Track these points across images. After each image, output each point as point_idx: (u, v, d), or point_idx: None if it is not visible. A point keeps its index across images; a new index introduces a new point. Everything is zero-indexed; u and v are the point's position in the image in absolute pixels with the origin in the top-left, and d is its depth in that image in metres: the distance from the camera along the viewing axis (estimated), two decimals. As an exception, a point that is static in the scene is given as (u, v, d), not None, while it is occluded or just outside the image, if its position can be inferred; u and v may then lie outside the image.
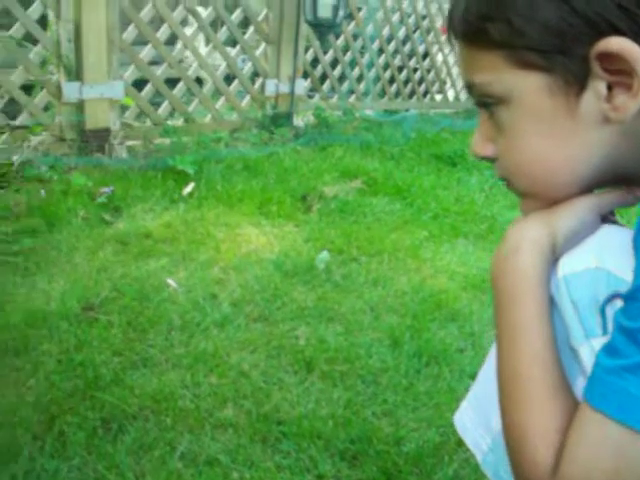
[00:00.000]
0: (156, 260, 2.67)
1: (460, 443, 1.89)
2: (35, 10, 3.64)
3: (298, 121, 4.99)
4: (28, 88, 3.71)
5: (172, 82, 4.33)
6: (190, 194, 3.35)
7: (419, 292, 2.70)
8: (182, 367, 2.07)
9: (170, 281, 2.49)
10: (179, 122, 4.36)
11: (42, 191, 3.22)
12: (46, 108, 3.78)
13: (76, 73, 3.76)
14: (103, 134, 3.86)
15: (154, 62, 4.26)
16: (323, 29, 4.90)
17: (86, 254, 2.67)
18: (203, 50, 5.10)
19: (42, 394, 1.88)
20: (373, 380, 2.11)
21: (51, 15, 3.70)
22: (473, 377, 2.10)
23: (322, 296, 2.59)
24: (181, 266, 2.65)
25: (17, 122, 3.63)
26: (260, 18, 4.70)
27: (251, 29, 4.68)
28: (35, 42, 3.69)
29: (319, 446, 1.81)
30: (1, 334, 2.10)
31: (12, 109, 3.70)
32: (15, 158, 3.44)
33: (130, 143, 4.08)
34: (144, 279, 2.50)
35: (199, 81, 4.58)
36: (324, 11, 4.70)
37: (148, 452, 1.74)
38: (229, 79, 4.62)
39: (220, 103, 4.60)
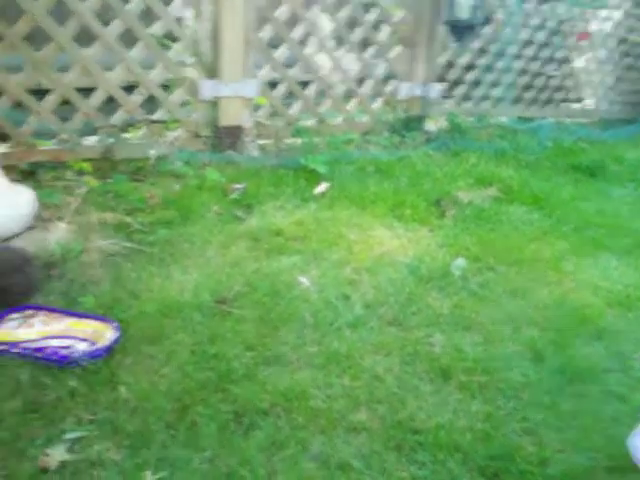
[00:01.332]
0: (287, 257, 2.66)
1: (612, 470, 1.76)
2: (175, 8, 3.73)
3: (430, 125, 4.89)
4: (166, 86, 3.82)
5: (304, 83, 4.35)
6: (322, 194, 3.33)
7: (561, 305, 2.56)
8: (314, 366, 2.03)
9: (302, 279, 2.47)
10: (310, 123, 4.36)
11: (177, 185, 3.28)
12: (183, 105, 3.86)
13: (213, 71, 3.83)
14: (236, 131, 3.91)
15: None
16: (461, 31, 4.79)
17: (219, 248, 2.69)
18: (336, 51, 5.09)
19: (175, 383, 1.89)
20: (514, 395, 2.00)
21: (191, 14, 3.78)
22: (622, 400, 1.93)
23: (458, 304, 2.49)
24: (313, 264, 2.62)
25: (155, 117, 3.72)
26: (396, 19, 4.64)
27: (386, 30, 4.63)
28: (174, 40, 3.79)
29: (457, 459, 1.73)
30: (136, 322, 2.13)
31: (150, 106, 3.81)
32: (152, 153, 3.52)
33: (261, 142, 4.12)
34: (276, 275, 2.49)
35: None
36: (463, 12, 4.60)
37: (280, 450, 1.71)
38: (361, 81, 4.59)
39: (352, 105, 4.57)
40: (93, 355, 1.91)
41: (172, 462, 1.64)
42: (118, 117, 3.66)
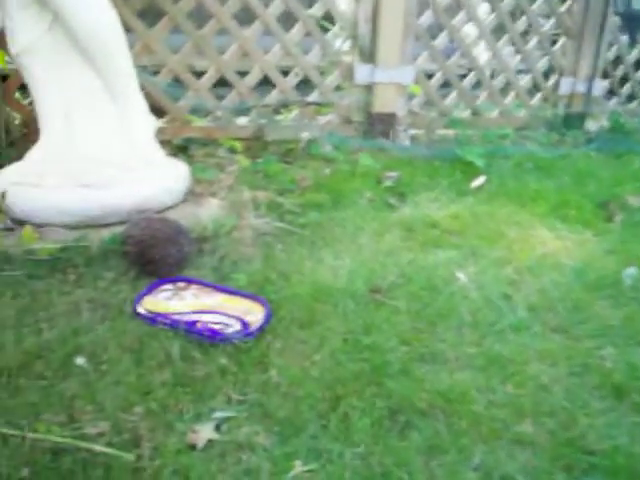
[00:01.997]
0: (444, 251, 2.51)
1: None
2: (337, -11, 3.66)
3: (591, 124, 4.59)
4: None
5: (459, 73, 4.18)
6: (479, 187, 3.15)
7: None
8: (474, 368, 1.88)
9: (460, 274, 2.32)
10: (465, 114, 4.18)
11: (327, 169, 3.20)
12: (336, 89, 3.78)
13: (369, 56, 3.72)
14: (389, 119, 3.80)
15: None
16: (634, 24, 4.45)
17: (372, 235, 2.58)
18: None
19: (327, 371, 1.79)
20: (701, 422, 1.77)
21: (351, -5, 3.70)
22: None
23: (630, 316, 2.26)
24: (470, 260, 2.46)
25: (309, 99, 3.66)
26: (562, 9, 4.37)
27: (550, 21, 4.37)
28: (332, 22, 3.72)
29: (637, 489, 1.53)
30: (287, 304, 2.05)
31: (303, 89, 3.76)
32: (303, 135, 3.46)
33: (413, 131, 3.98)
34: (432, 269, 2.35)
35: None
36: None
37: (439, 455, 1.57)
38: (520, 74, 4.36)
39: (509, 99, 4.35)
40: (246, 334, 1.84)
41: (323, 454, 1.54)
42: (272, 98, 3.62)
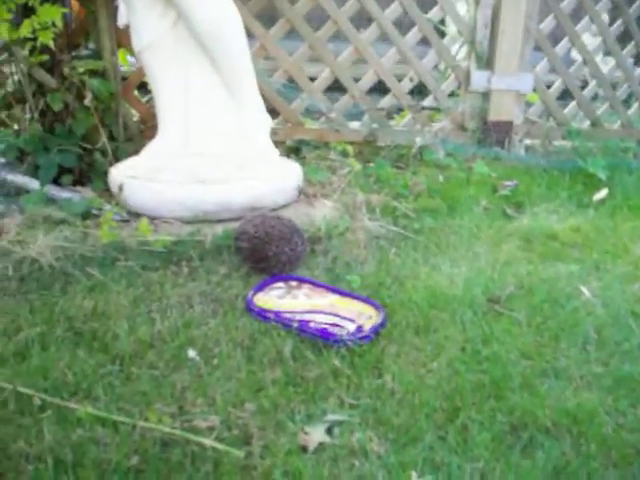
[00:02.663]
0: (565, 264, 2.38)
1: None
2: (456, -7, 3.57)
3: None
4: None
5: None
6: (601, 201, 2.99)
7: None
8: (601, 388, 1.75)
9: (583, 289, 2.17)
10: (584, 125, 3.99)
11: (440, 176, 3.10)
12: (451, 95, 3.69)
13: (486, 61, 3.61)
14: (505, 127, 3.66)
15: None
16: None
17: (488, 244, 2.48)
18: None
19: (444, 380, 1.70)
20: None
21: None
22: None
23: None
24: (594, 275, 2.32)
25: (424, 104, 3.58)
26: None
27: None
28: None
29: None
30: (402, 309, 1.98)
31: (417, 93, 3.68)
32: (416, 141, 3.38)
33: (529, 141, 3.83)
34: (553, 281, 2.22)
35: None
36: None
37: (566, 478, 1.45)
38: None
39: (632, 110, 4.13)
40: (361, 337, 1.78)
41: (440, 467, 1.46)
42: (385, 102, 3.56)
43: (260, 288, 2.01)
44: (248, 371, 1.69)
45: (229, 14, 2.46)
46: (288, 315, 1.87)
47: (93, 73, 2.81)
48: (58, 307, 1.86)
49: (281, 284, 2.06)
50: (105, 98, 2.85)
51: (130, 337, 1.76)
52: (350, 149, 3.38)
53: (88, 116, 2.80)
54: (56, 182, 2.61)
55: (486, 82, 3.61)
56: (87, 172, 2.80)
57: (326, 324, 1.85)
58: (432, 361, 1.78)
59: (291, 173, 2.62)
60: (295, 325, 1.81)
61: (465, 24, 3.59)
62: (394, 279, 2.17)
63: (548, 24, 3.78)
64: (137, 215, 2.36)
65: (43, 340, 1.74)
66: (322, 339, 1.77)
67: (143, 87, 3.11)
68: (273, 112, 3.14)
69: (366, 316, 1.90)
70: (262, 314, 1.87)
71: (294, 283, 2.07)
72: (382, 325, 1.87)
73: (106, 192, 2.56)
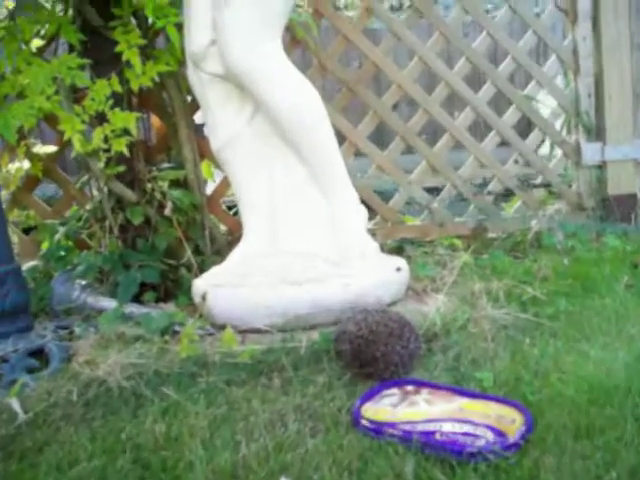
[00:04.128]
0: None
1: None
2: (551, 67, 3.20)
3: None
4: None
5: None
6: None
7: None
8: None
9: None
10: None
11: (565, 259, 2.62)
12: (560, 174, 3.25)
13: (595, 132, 3.18)
14: (629, 201, 3.17)
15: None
16: None
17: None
18: None
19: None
20: None
21: (568, 71, 3.22)
22: None
23: None
24: None
25: (530, 187, 3.16)
26: None
27: None
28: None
29: None
30: (551, 408, 1.49)
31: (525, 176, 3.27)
32: (531, 226, 2.93)
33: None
34: None
35: None
36: None
37: None
38: None
39: None
40: (504, 446, 1.29)
41: None
42: (491, 187, 3.15)
43: (368, 397, 1.57)
44: (360, 502, 1.23)
45: (309, 97, 2.17)
46: (407, 427, 1.42)
47: (175, 185, 2.56)
48: (124, 434, 1.48)
49: (394, 390, 1.61)
50: (188, 209, 2.58)
51: (208, 466, 1.34)
52: (458, 243, 2.97)
53: (171, 230, 2.52)
54: (138, 300, 2.29)
55: (599, 154, 3.17)
56: (172, 289, 2.49)
57: (457, 434, 1.37)
58: (607, 472, 1.26)
59: (393, 267, 2.21)
60: (416, 438, 1.34)
61: (566, 96, 3.19)
62: (534, 373, 1.68)
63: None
64: (223, 327, 1.98)
65: (103, 474, 1.34)
66: (453, 453, 1.30)
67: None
68: (370, 210, 2.79)
69: (508, 420, 1.42)
70: (373, 428, 1.43)
71: (410, 388, 1.61)
72: (529, 430, 1.38)
73: (191, 307, 2.22)
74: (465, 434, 1.38)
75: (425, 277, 2.43)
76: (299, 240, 2.22)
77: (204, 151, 2.69)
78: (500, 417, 1.44)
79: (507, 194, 3.24)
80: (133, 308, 2.22)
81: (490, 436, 1.36)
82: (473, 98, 3.07)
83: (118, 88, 2.28)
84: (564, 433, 1.39)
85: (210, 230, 2.70)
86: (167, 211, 2.45)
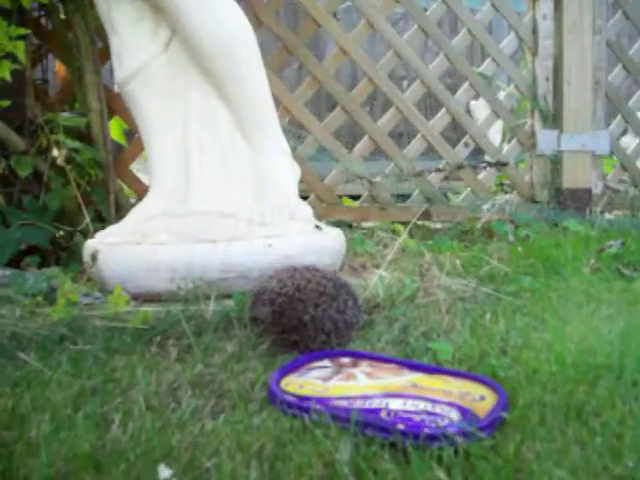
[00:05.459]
0: None
1: None
2: (509, 45, 2.91)
3: None
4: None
5: None
6: None
7: None
8: None
9: None
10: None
11: (519, 248, 2.29)
12: (513, 161, 2.95)
13: (552, 119, 2.90)
14: (583, 197, 2.89)
15: None
16: None
17: (617, 306, 1.65)
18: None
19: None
20: None
21: (526, 51, 2.95)
22: None
23: None
24: None
25: (479, 174, 2.84)
26: None
27: None
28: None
29: None
30: (530, 387, 1.12)
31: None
32: (485, 208, 2.62)
33: (610, 215, 3.04)
34: None
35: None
36: None
37: None
38: None
39: None
40: (479, 426, 0.91)
41: None
42: (437, 175, 2.82)
43: (291, 369, 1.18)
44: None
45: (238, 24, 1.79)
46: (342, 403, 1.03)
47: (78, 139, 2.14)
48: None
49: (326, 362, 1.22)
50: (89, 166, 2.15)
51: (58, 449, 0.91)
52: (400, 229, 2.62)
53: (67, 189, 2.09)
54: (19, 266, 1.85)
55: (555, 143, 2.87)
56: (66, 260, 2.05)
57: (409, 412, 0.99)
58: (618, 462, 0.89)
59: (330, 233, 1.84)
60: (356, 417, 0.95)
61: (523, 78, 2.90)
62: (501, 350, 1.32)
63: (617, 76, 3.09)
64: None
65: None
66: (406, 435, 0.91)
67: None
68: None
69: (475, 397, 1.04)
70: (296, 404, 1.03)
71: (347, 360, 1.23)
72: (505, 409, 1.00)
73: (83, 275, 1.79)
74: (422, 412, 0.99)
75: (364, 253, 2.06)
76: (217, 198, 1.82)
77: (115, 106, 2.28)
78: (465, 394, 1.07)
79: (454, 179, 2.91)
80: (7, 272, 1.77)
81: (455, 415, 0.99)
82: (424, 70, 2.74)
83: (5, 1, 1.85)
84: (550, 414, 1.03)
85: (116, 195, 2.28)
86: (60, 160, 2.01)
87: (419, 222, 2.76)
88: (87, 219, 2.10)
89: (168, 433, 0.98)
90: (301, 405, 1.03)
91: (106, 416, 1.05)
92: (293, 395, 1.07)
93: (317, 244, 1.76)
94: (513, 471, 0.87)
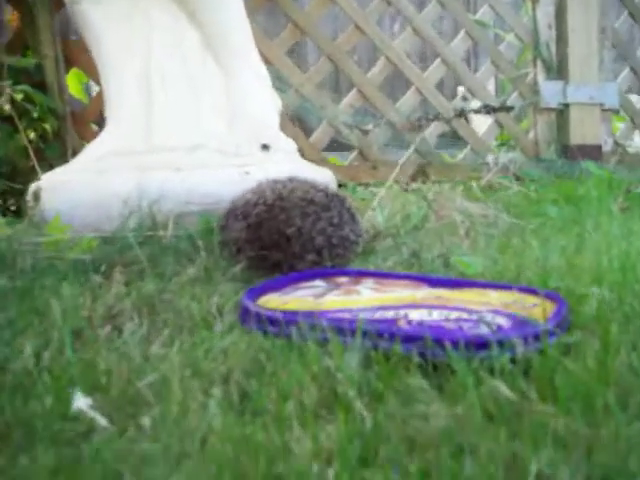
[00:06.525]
0: None
1: None
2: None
3: None
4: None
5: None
6: None
7: None
8: None
9: None
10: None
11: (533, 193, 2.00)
12: (517, 116, 2.67)
13: (557, 70, 2.62)
14: (592, 153, 2.59)
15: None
16: None
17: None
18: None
19: None
20: None
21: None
22: None
23: None
24: None
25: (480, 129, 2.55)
26: None
27: None
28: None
29: None
30: (585, 301, 0.81)
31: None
32: (489, 160, 2.32)
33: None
34: None
35: None
36: None
37: None
38: None
39: None
40: (537, 333, 0.60)
41: None
42: (435, 129, 2.52)
43: (272, 287, 0.87)
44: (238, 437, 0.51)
45: None
46: (344, 315, 0.71)
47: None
48: None
49: (318, 282, 0.90)
50: (42, 116, 1.85)
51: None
52: (396, 188, 2.31)
53: (15, 139, 1.78)
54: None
55: (560, 94, 2.59)
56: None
57: (438, 321, 0.68)
58: None
59: (318, 170, 1.54)
60: (363, 327, 0.64)
61: (523, 25, 2.62)
62: (541, 268, 1.00)
63: (624, 23, 2.82)
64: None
65: None
66: (441, 344, 0.60)
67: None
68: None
69: (525, 305, 0.74)
70: (278, 318, 0.71)
71: (345, 279, 0.91)
72: (566, 318, 0.70)
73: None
74: (457, 320, 0.68)
75: (358, 200, 1.75)
76: (184, 131, 1.52)
77: (73, 57, 1.99)
78: (510, 303, 0.76)
79: (452, 137, 2.62)
80: None
81: (504, 321, 0.68)
82: (415, 16, 2.46)
83: None
84: (626, 322, 0.72)
85: (74, 152, 1.96)
86: (2, 100, 1.70)
87: (415, 184, 2.45)
88: (40, 175, 1.79)
89: (95, 360, 0.67)
90: (287, 319, 0.72)
91: (19, 347, 0.73)
92: (275, 311, 0.76)
93: (302, 175, 1.45)
94: (600, 382, 0.56)
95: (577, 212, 1.58)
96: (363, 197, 1.78)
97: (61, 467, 0.48)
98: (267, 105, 1.57)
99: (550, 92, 2.61)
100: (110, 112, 1.58)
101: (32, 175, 1.81)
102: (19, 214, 1.78)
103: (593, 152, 2.60)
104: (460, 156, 2.60)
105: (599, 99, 2.62)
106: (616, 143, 2.76)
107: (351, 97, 2.39)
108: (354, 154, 2.41)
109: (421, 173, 2.44)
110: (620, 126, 2.86)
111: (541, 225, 1.37)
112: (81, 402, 0.57)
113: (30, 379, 0.64)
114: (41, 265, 1.03)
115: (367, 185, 2.20)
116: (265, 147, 1.45)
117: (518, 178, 2.39)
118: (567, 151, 2.60)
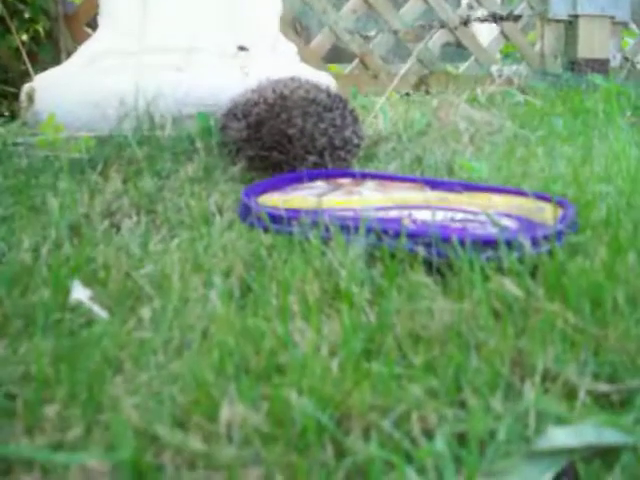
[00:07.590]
0: None
1: None
2: None
3: None
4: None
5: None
6: None
7: None
8: None
9: None
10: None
11: (537, 102, 1.95)
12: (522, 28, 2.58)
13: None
14: (600, 67, 2.52)
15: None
16: None
17: None
18: None
19: None
20: None
21: None
22: None
23: None
24: None
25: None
26: None
27: None
28: None
29: None
30: (605, 207, 0.79)
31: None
32: (494, 71, 2.27)
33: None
34: None
35: None
36: None
37: None
38: None
39: None
40: (546, 235, 0.58)
41: None
42: (438, 39, 2.44)
43: (272, 185, 0.84)
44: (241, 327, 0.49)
45: None
46: (346, 213, 0.69)
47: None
48: None
49: (319, 183, 0.88)
50: (35, 14, 1.78)
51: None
52: (397, 98, 2.25)
53: (7, 39, 1.71)
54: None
55: (570, 6, 2.49)
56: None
57: (443, 222, 0.66)
58: None
59: (319, 74, 1.48)
60: (367, 224, 0.62)
61: None
62: (548, 175, 0.98)
63: None
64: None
65: None
66: (447, 242, 0.58)
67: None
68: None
69: (533, 209, 0.71)
70: (280, 215, 0.69)
71: (345, 180, 0.89)
72: (574, 220, 0.68)
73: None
74: (463, 221, 0.66)
75: (359, 106, 1.70)
76: (182, 32, 1.45)
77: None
78: (516, 207, 0.74)
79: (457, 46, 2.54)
80: None
81: (511, 223, 0.66)
82: None
83: None
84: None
85: (68, 54, 1.89)
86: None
87: (416, 96, 2.40)
88: (33, 77, 1.73)
89: (93, 254, 0.65)
90: (288, 216, 0.70)
91: (16, 243, 0.71)
92: (276, 208, 0.74)
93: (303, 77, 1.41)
94: (610, 281, 0.55)
95: (584, 125, 1.54)
96: (364, 105, 1.73)
97: (61, 354, 0.47)
98: (267, 8, 1.50)
99: (559, 2, 2.51)
100: (104, 11, 1.52)
101: (26, 79, 1.76)
102: (13, 118, 1.74)
103: (601, 67, 2.53)
104: (463, 66, 2.53)
105: (610, 11, 2.53)
106: (625, 58, 2.68)
107: (353, 2, 2.30)
108: (355, 62, 2.34)
109: (423, 83, 2.38)
110: (629, 41, 2.77)
111: (547, 135, 1.33)
112: (80, 293, 0.55)
113: (28, 272, 0.62)
114: (36, 164, 1.01)
115: (366, 95, 2.14)
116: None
117: (523, 91, 2.33)
118: (574, 64, 2.53)
